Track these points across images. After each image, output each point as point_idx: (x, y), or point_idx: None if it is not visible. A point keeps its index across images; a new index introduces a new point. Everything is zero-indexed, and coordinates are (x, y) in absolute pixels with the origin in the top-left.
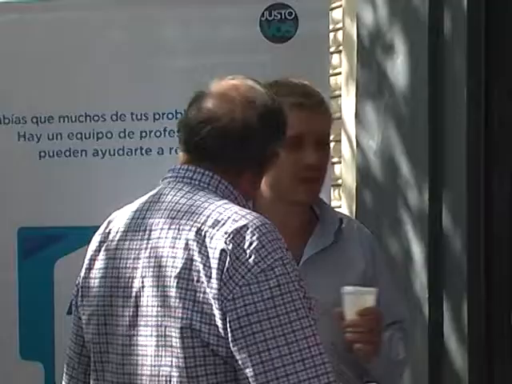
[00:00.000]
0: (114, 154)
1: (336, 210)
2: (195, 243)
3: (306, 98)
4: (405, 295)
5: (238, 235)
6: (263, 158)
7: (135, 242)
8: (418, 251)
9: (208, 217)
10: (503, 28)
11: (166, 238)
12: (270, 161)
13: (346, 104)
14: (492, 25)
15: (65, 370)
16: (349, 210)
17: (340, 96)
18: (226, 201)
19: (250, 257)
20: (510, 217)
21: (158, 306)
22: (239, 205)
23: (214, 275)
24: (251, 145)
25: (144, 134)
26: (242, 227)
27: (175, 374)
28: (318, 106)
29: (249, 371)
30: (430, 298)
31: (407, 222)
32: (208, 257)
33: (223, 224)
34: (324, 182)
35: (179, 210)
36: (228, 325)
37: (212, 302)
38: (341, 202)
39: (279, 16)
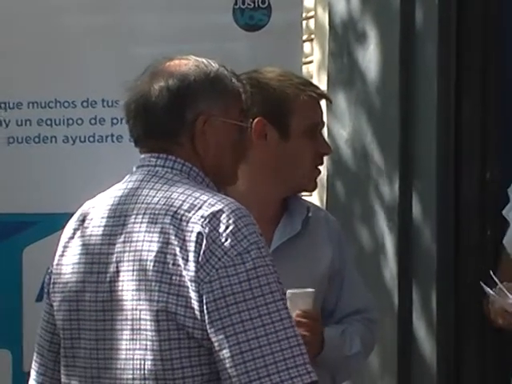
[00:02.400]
0: (85, 141)
1: (305, 199)
2: (171, 227)
3: (318, 89)
4: (375, 284)
5: (214, 219)
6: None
7: (109, 228)
8: (388, 240)
9: (184, 201)
10: (474, 17)
11: (141, 222)
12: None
13: None
14: (463, 14)
15: (34, 357)
16: (319, 198)
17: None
18: (200, 186)
19: (226, 240)
20: (479, 207)
21: (133, 290)
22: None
23: (190, 258)
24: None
25: (115, 121)
26: (218, 211)
27: (149, 357)
28: (325, 98)
29: (226, 352)
30: (399, 286)
31: (378, 212)
32: (184, 240)
33: (199, 208)
34: None
35: (154, 196)
36: (205, 307)
37: (188, 284)
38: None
39: (252, 4)
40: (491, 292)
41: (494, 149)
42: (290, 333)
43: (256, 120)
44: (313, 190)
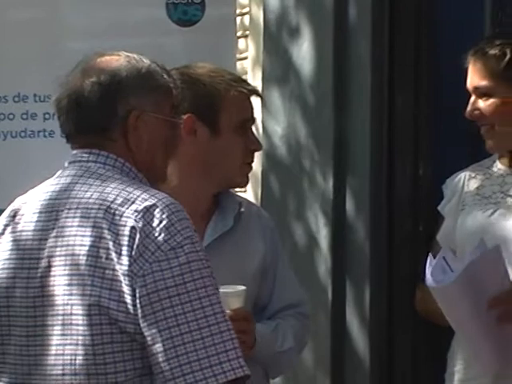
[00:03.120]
0: (16, 136)
1: (239, 194)
2: (104, 221)
3: (249, 85)
4: (309, 279)
5: (147, 213)
6: (125, 119)
7: (41, 224)
8: (322, 236)
9: (117, 196)
10: (407, 13)
11: (73, 217)
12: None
13: None
14: (396, 10)
15: None
16: (254, 194)
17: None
18: (133, 181)
19: (159, 234)
20: (411, 203)
21: (65, 285)
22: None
23: (124, 252)
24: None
25: (47, 116)
26: (151, 206)
27: (80, 352)
28: (256, 94)
29: (158, 347)
30: (333, 282)
31: (312, 207)
32: (118, 234)
33: (133, 202)
34: None
35: (87, 191)
36: (138, 301)
37: (121, 278)
38: (246, 187)
39: None
40: (433, 261)
41: (427, 145)
42: (223, 327)
43: (186, 116)
44: (244, 186)
